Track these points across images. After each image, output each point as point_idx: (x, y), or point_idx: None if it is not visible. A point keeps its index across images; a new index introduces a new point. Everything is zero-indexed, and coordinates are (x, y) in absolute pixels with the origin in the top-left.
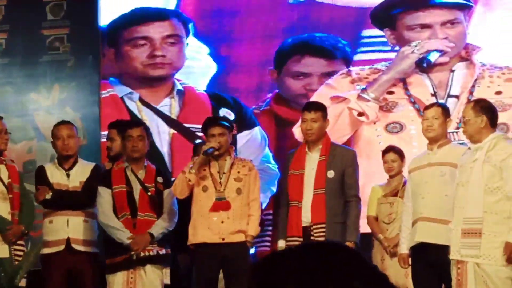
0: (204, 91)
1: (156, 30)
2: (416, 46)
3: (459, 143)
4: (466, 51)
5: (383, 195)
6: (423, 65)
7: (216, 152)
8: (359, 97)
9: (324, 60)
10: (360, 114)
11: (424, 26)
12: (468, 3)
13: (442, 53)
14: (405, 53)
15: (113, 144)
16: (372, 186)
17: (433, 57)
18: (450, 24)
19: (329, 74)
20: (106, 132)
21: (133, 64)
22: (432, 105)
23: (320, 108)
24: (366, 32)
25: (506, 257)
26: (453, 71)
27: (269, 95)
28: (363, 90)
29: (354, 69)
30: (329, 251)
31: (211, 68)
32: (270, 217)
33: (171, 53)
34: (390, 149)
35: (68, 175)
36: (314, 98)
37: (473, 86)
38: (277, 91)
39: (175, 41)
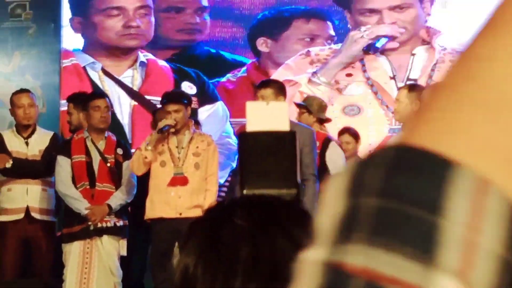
0: (166, 61)
1: (128, 1)
2: (365, 31)
3: None
4: (428, 35)
5: None
6: (370, 52)
7: (172, 130)
8: (309, 81)
9: None
10: None
11: (373, 11)
12: None
13: (390, 38)
14: (354, 38)
15: (71, 118)
16: None
17: (381, 43)
18: (399, 8)
19: None
20: (66, 101)
21: (107, 34)
22: (402, 87)
23: (271, 85)
24: None
25: None
26: (413, 54)
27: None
28: (314, 73)
29: (314, 50)
30: (269, 203)
31: None
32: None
33: (143, 25)
34: (345, 130)
35: (27, 143)
36: (273, 77)
37: (433, 70)
38: (254, 60)
39: (146, 12)
